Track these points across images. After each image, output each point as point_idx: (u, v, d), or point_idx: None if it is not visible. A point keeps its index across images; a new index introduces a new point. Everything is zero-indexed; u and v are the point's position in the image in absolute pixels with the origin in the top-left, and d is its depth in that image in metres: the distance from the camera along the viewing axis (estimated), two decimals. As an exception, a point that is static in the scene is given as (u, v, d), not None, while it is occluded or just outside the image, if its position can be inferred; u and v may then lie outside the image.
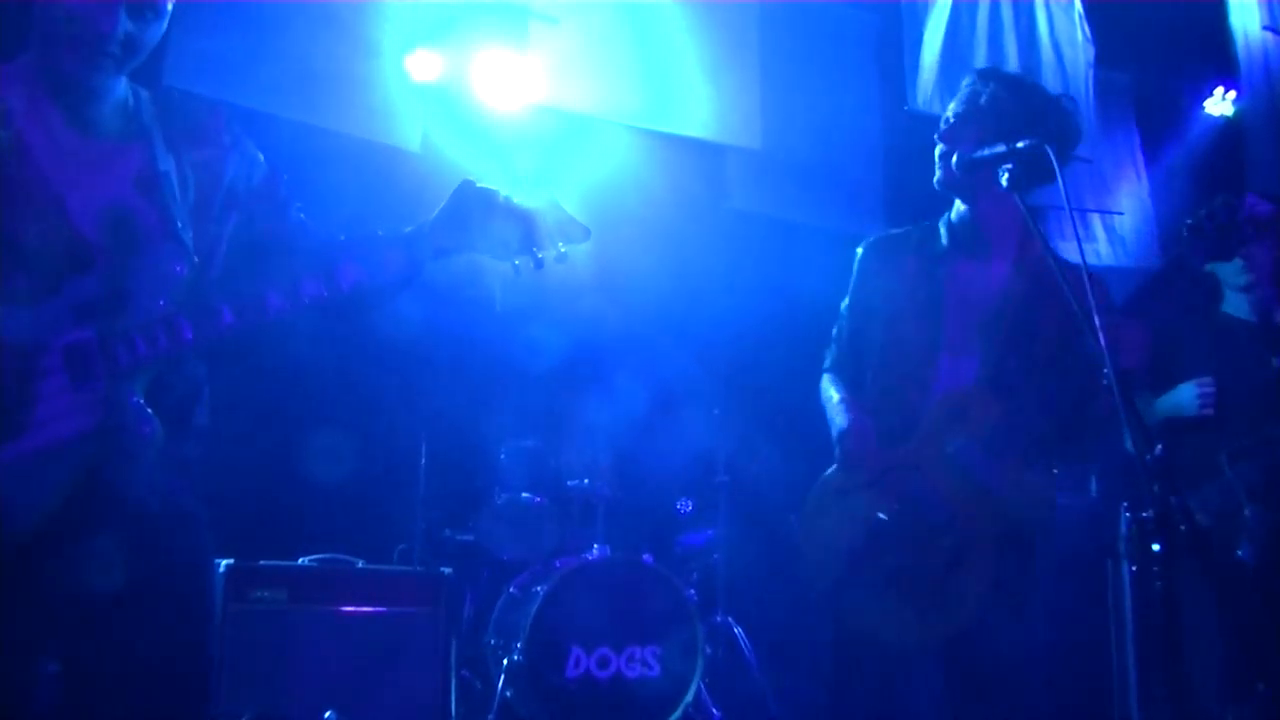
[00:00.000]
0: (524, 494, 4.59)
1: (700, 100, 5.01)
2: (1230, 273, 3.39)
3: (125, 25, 1.67)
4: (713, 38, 5.07)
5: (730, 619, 4.74)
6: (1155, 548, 1.63)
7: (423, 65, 4.67)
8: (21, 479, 1.53)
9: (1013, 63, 5.32)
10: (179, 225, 1.72)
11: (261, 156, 1.92)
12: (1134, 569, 1.68)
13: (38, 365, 1.56)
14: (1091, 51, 5.58)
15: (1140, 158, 6.34)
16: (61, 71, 1.69)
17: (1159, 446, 1.63)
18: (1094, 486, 5.17)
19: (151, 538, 1.67)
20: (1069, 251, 2.56)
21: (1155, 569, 1.63)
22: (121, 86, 1.79)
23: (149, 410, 1.64)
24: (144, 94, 1.84)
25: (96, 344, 1.60)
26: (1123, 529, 1.67)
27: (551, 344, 4.77)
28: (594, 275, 4.96)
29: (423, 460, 4.39)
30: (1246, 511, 3.05)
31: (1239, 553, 3.05)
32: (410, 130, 4.67)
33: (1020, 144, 2.24)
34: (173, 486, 1.72)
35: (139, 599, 1.64)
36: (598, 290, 4.93)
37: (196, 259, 1.73)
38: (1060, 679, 3.98)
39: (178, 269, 1.69)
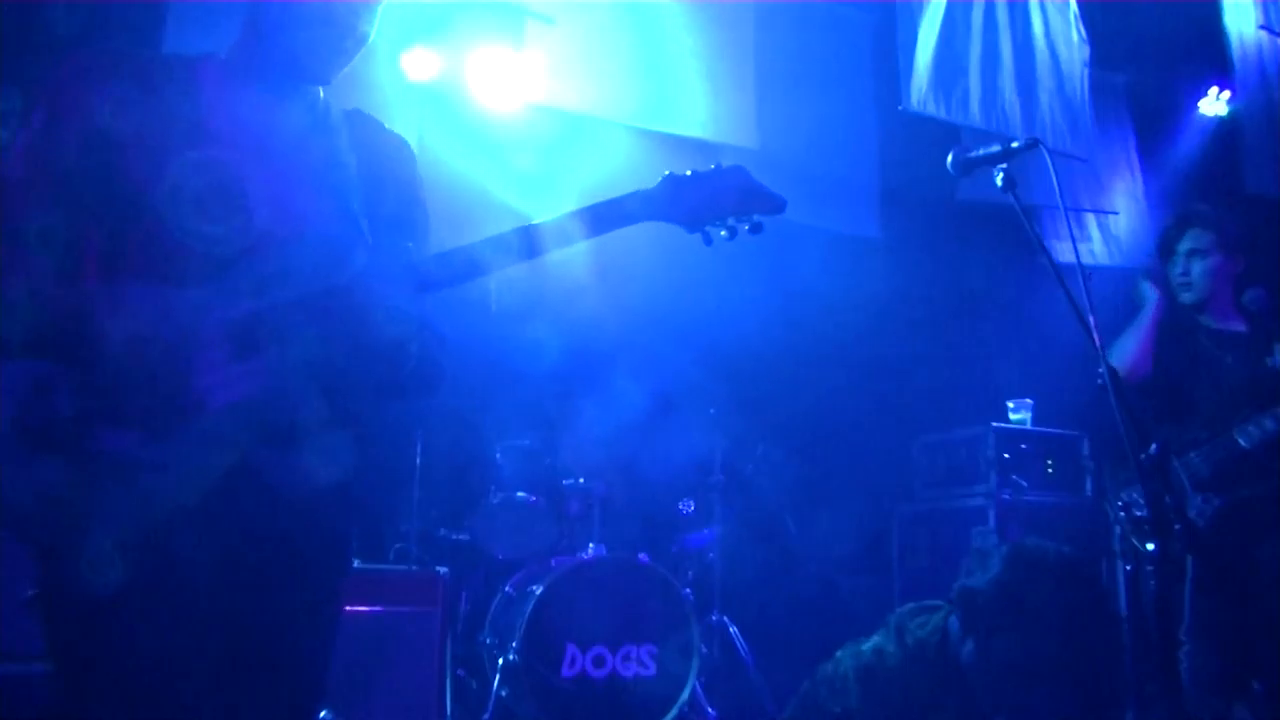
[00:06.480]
0: (520, 493, 4.58)
1: (696, 100, 5.01)
2: (1175, 273, 3.45)
3: (367, 26, 1.74)
4: (709, 37, 5.08)
5: (726, 618, 4.75)
6: (1150, 547, 1.63)
7: (419, 64, 4.67)
8: (189, 451, 1.53)
9: (1007, 63, 5.33)
10: (355, 212, 1.75)
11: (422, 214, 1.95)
12: (1128, 568, 1.68)
13: (201, 337, 1.56)
14: (1087, 51, 5.59)
15: (1135, 157, 6.35)
16: (293, 66, 1.73)
17: (1154, 446, 1.64)
18: (1089, 486, 5.18)
19: (295, 516, 1.64)
20: (1064, 252, 2.57)
21: (1149, 568, 1.63)
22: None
23: (311, 383, 1.63)
24: (332, 100, 1.89)
25: (257, 317, 1.59)
26: (1117, 529, 1.68)
27: (547, 343, 4.77)
28: (590, 275, 4.98)
29: (418, 459, 4.39)
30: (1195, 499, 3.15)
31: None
32: (406, 130, 4.63)
33: (1015, 144, 2.25)
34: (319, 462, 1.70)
35: (278, 581, 1.62)
36: (593, 290, 4.93)
37: (370, 242, 1.75)
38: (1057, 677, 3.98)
39: (353, 255, 1.70)
